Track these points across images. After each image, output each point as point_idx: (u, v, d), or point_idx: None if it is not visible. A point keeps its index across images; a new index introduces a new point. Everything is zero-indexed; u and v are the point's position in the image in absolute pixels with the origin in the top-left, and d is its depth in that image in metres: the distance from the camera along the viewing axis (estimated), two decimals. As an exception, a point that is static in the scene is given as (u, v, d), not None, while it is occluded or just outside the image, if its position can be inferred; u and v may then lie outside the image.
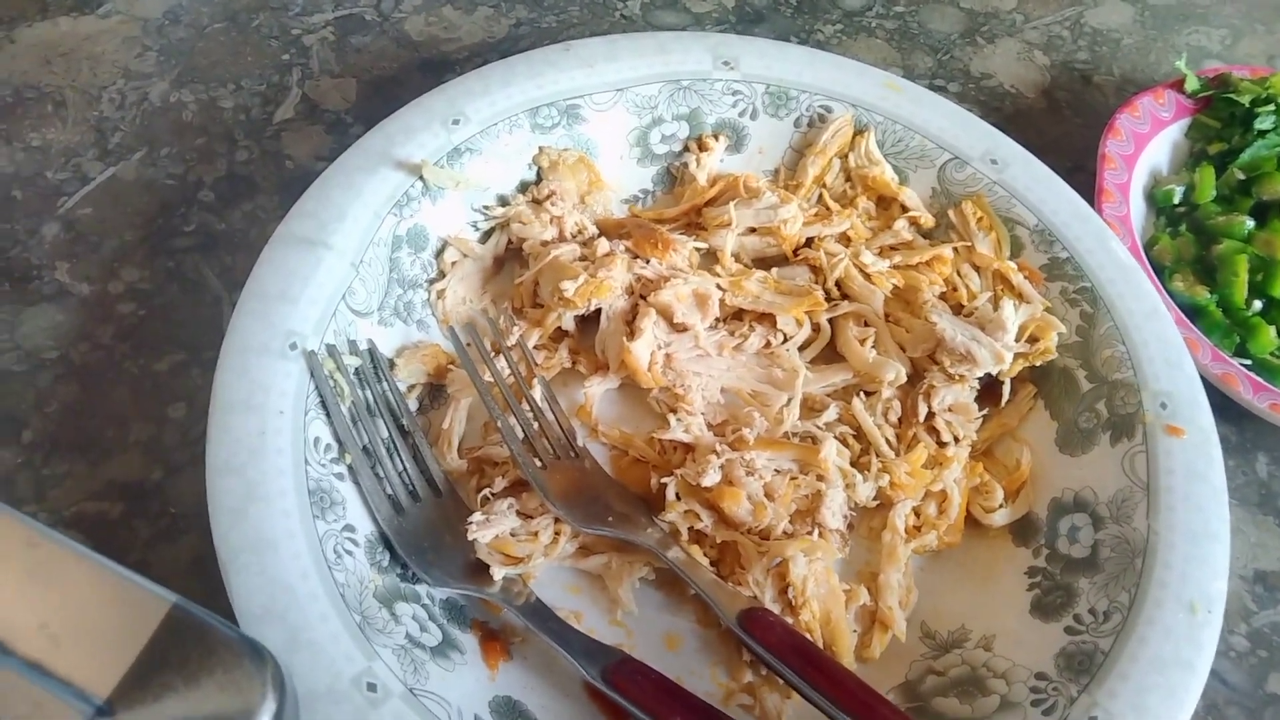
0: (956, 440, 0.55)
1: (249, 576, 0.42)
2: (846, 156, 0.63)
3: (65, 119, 0.67)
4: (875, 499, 0.53)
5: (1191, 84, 0.71)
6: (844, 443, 0.54)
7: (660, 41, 0.63)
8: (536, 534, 0.49)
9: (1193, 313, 0.62)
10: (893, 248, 0.60)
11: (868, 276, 0.58)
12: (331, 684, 0.41)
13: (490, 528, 0.48)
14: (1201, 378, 0.56)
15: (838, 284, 0.59)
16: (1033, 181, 0.60)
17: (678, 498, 0.51)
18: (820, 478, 0.52)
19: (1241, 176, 0.68)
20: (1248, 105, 0.69)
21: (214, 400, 0.47)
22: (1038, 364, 0.55)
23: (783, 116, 0.63)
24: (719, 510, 0.51)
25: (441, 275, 0.57)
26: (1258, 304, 0.62)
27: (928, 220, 0.61)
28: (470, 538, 0.48)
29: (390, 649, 0.43)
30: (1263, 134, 0.68)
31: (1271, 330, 0.60)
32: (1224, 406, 0.57)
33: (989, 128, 0.62)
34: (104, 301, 0.59)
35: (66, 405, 0.55)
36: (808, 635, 0.48)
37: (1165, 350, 0.54)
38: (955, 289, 0.58)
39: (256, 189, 0.65)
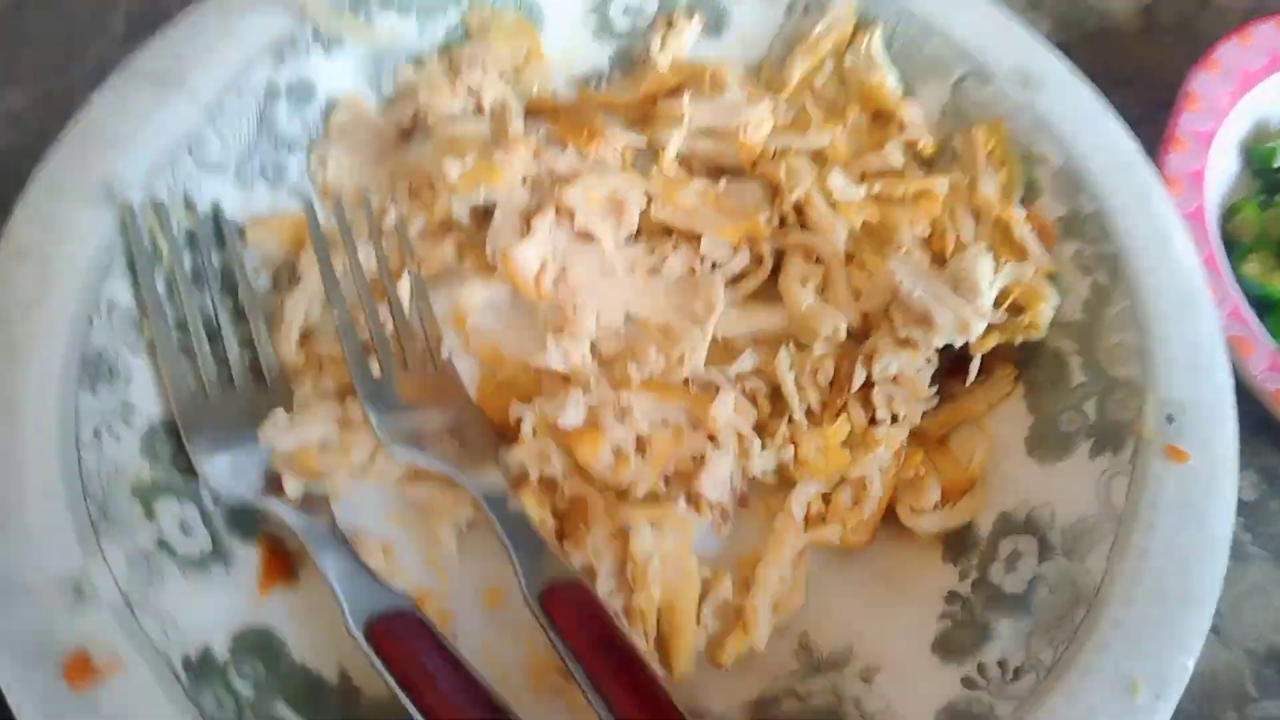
0: (894, 419, 0.43)
1: (-23, 442, 0.37)
2: (843, 56, 0.51)
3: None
4: (774, 474, 0.43)
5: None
6: (753, 400, 0.44)
7: (639, -112, 0.52)
8: (350, 450, 0.42)
9: (1264, 307, 0.48)
10: (878, 174, 0.48)
11: (833, 205, 0.47)
12: (34, 580, 0.35)
13: (292, 432, 0.41)
14: (1247, 391, 0.43)
15: (796, 209, 0.48)
16: (1070, 111, 0.47)
17: (534, 434, 0.43)
18: (711, 438, 0.42)
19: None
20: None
21: (2, 241, 0.41)
22: (1017, 341, 0.43)
23: (773, -2, 0.52)
24: (574, 457, 0.42)
25: (328, 139, 0.49)
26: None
27: (928, 145, 0.49)
28: (261, 441, 0.41)
29: (124, 551, 0.37)
30: None
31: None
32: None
33: (1031, 39, 0.49)
34: (-12, 126, 0.54)
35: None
36: (634, 624, 0.39)
37: (1193, 350, 0.41)
38: (943, 234, 0.46)
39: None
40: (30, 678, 0.33)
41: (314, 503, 0.41)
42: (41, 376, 0.38)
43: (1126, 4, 0.62)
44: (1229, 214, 0.51)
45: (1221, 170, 0.53)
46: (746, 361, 0.45)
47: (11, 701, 0.33)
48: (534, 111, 0.52)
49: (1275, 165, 0.53)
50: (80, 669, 0.34)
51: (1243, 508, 0.47)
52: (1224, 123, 0.52)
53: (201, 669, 0.36)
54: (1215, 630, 0.43)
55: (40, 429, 0.37)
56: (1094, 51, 0.60)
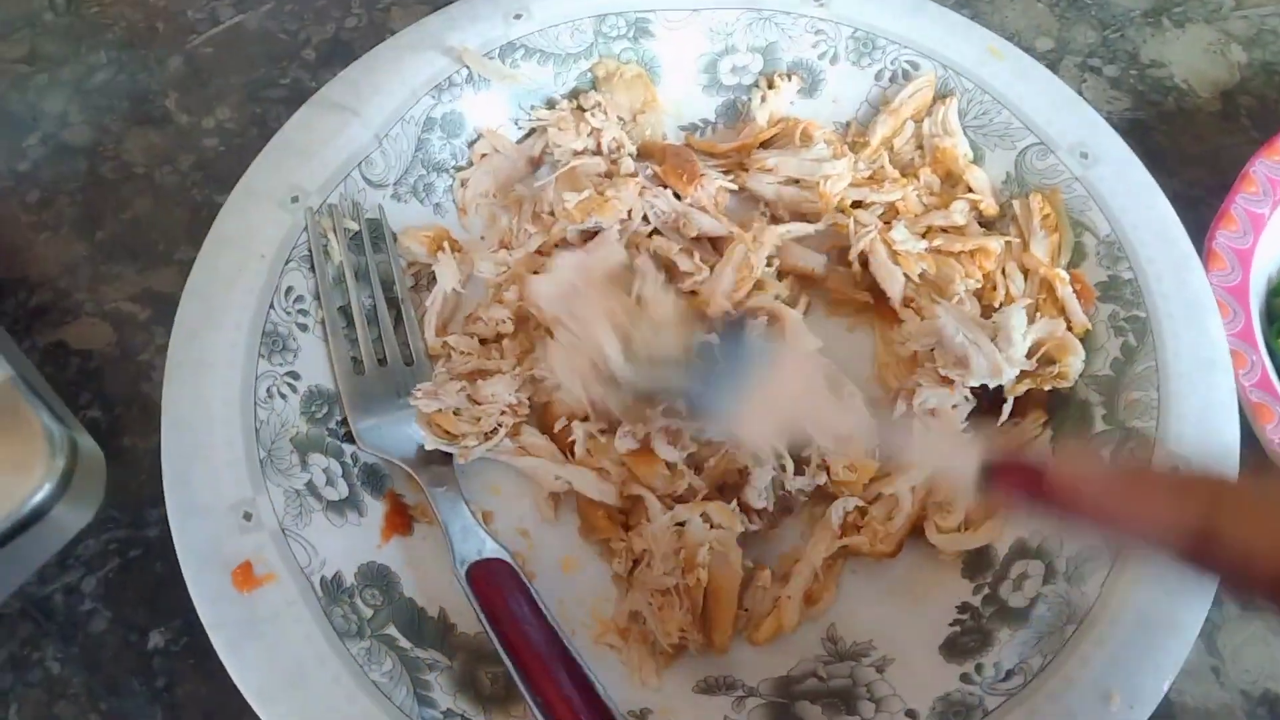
0: (931, 448, 0.49)
1: (179, 388, 0.46)
2: (922, 121, 0.57)
3: (219, -34, 0.73)
4: (811, 491, 0.49)
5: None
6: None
7: (754, -35, 0.59)
8: (479, 419, 0.50)
9: (1296, 380, 0.52)
10: (942, 229, 0.54)
11: (894, 255, 0.53)
12: (212, 502, 0.44)
13: (435, 400, 0.50)
14: (1260, 453, 0.48)
15: (861, 258, 0.54)
16: (1122, 186, 0.52)
17: (589, 453, 0.50)
18: (755, 455, 0.49)
19: None
20: None
21: (211, 232, 0.51)
22: (1046, 388, 0.49)
23: (864, 66, 0.58)
24: (630, 469, 0.49)
25: (470, 164, 0.58)
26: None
27: (990, 207, 0.54)
28: (412, 403, 0.50)
29: (283, 490, 0.46)
30: None
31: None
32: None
33: (1095, 117, 0.54)
34: (194, 133, 0.65)
35: (137, 217, 0.62)
36: (683, 601, 0.46)
37: (1206, 410, 0.46)
38: (994, 288, 0.52)
39: (353, 56, 0.67)
40: (206, 578, 0.43)
41: (441, 462, 0.50)
42: (232, 344, 0.48)
43: (1207, 86, 0.66)
44: (1277, 290, 0.55)
45: (1274, 250, 0.56)
46: None
47: (193, 595, 0.43)
48: (644, 154, 0.60)
49: (1326, 249, 0.56)
50: (245, 576, 0.43)
51: (1257, 563, 0.51)
52: (1278, 207, 0.56)
53: (334, 590, 0.45)
54: (1215, 671, 0.48)
55: (228, 384, 0.47)
56: (1169, 130, 0.64)
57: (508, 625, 0.44)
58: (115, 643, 0.49)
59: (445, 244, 0.55)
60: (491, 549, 0.46)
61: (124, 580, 0.50)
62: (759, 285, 0.54)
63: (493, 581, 0.45)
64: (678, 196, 0.56)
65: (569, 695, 0.42)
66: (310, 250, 0.51)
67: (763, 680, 0.46)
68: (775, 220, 0.56)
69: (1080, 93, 0.66)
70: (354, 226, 0.53)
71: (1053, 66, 0.67)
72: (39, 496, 0.35)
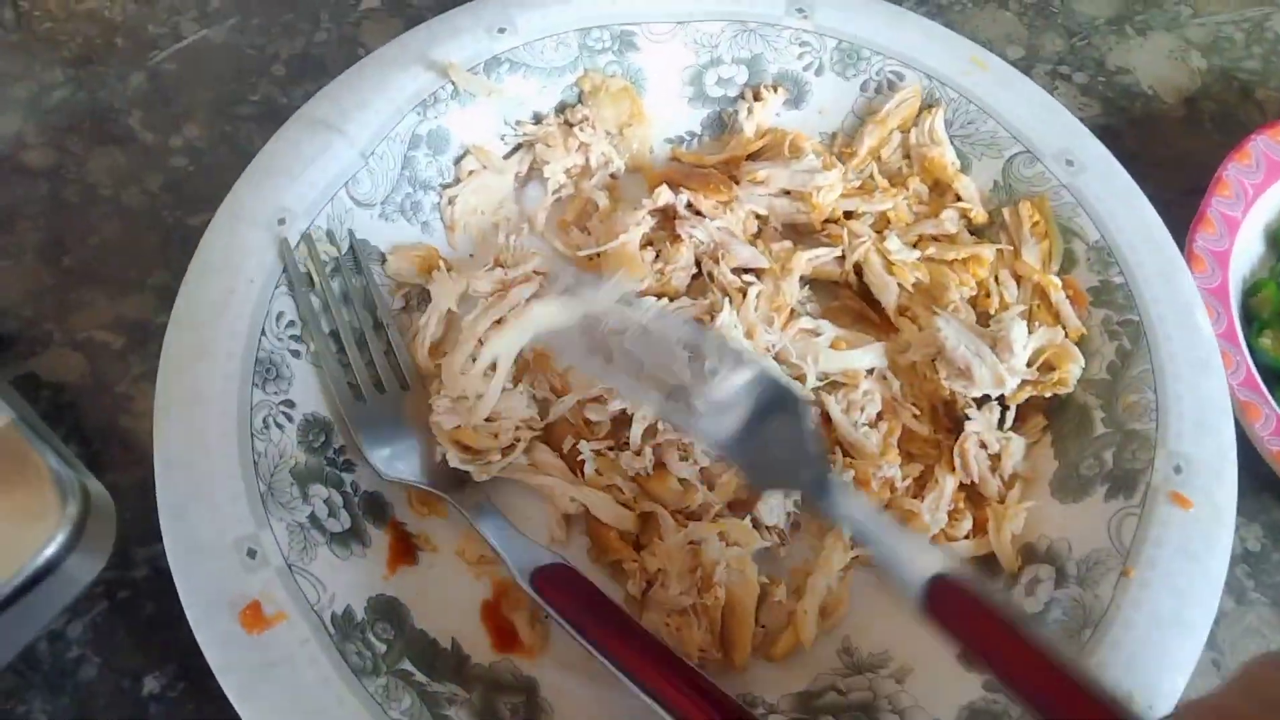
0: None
1: (173, 424, 0.44)
2: (909, 131, 0.57)
3: (180, -23, 0.71)
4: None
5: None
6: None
7: (738, -22, 0.59)
8: (496, 434, 0.49)
9: (1275, 377, 0.54)
10: (934, 238, 0.55)
11: (889, 265, 0.53)
12: (215, 540, 0.42)
13: (454, 415, 0.49)
14: (1252, 452, 0.49)
15: (856, 268, 0.54)
16: (1107, 192, 0.53)
17: (598, 472, 0.50)
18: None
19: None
20: None
21: (195, 258, 0.49)
22: (1048, 395, 0.49)
23: (850, 77, 0.58)
24: (644, 486, 0.49)
25: (457, 181, 0.57)
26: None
27: (979, 215, 0.55)
28: (432, 419, 0.48)
29: (285, 523, 0.44)
30: None
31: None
32: None
33: (1077, 125, 0.55)
34: (161, 152, 0.62)
35: (105, 241, 0.59)
36: (701, 620, 0.45)
37: (1202, 409, 0.47)
38: (988, 295, 0.53)
39: (324, 71, 0.66)
40: (213, 620, 0.41)
41: (469, 482, 0.49)
42: (225, 374, 0.46)
43: (1171, 92, 0.68)
44: (1251, 291, 0.57)
45: (1247, 251, 0.58)
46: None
47: (199, 639, 0.41)
48: (634, 170, 0.59)
49: (1297, 248, 0.58)
50: (254, 616, 0.41)
51: (1248, 557, 0.52)
52: (1251, 208, 0.58)
53: (346, 626, 0.43)
54: (1215, 665, 0.49)
55: (224, 416, 0.45)
56: (1139, 135, 0.66)
57: (590, 623, 0.43)
58: (108, 690, 0.47)
59: (440, 264, 0.53)
60: (548, 555, 0.45)
61: (113, 624, 0.48)
62: (793, 313, 0.54)
63: (562, 586, 0.44)
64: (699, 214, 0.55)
65: (674, 680, 0.41)
66: (291, 280, 0.50)
67: (783, 696, 0.46)
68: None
69: (1052, 100, 0.68)
70: (334, 251, 0.52)
71: (1024, 74, 0.68)
72: (52, 549, 0.33)
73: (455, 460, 0.47)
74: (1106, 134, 0.66)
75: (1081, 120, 0.66)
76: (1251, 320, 0.56)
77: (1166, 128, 0.67)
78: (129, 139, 0.63)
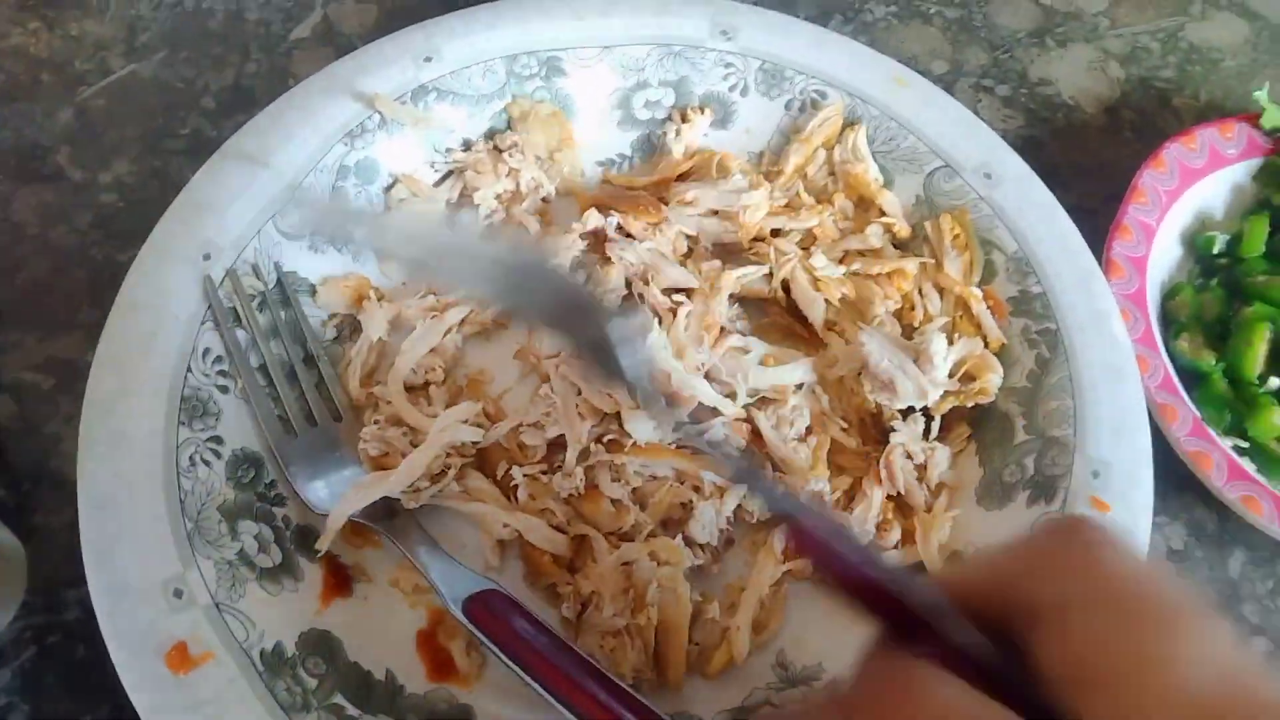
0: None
1: (99, 465, 0.44)
2: (833, 149, 0.58)
3: (105, 13, 0.70)
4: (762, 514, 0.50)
5: (1272, 119, 0.62)
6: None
7: (662, 2, 0.60)
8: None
9: (1192, 378, 0.55)
10: (859, 253, 0.56)
11: (815, 281, 0.54)
12: (141, 581, 0.42)
13: (383, 444, 0.49)
14: (1174, 453, 0.50)
15: (784, 285, 0.55)
16: (1025, 204, 0.54)
17: (531, 497, 0.50)
18: (695, 488, 0.50)
19: (1305, 235, 0.59)
20: (1331, 154, 0.60)
21: (119, 296, 0.49)
22: (970, 405, 0.50)
23: (774, 97, 0.59)
24: (577, 508, 0.49)
25: (387, 210, 0.57)
26: (1275, 381, 0.54)
27: (903, 229, 0.56)
28: (361, 448, 0.48)
29: (213, 561, 0.44)
30: (1341, 189, 0.59)
31: (1276, 414, 0.53)
32: (1207, 490, 0.51)
33: (995, 140, 0.56)
34: (90, 189, 0.62)
35: (33, 280, 0.59)
36: (634, 641, 0.46)
37: (1119, 414, 0.48)
38: (912, 308, 0.54)
39: (254, 103, 0.66)
40: (138, 663, 0.41)
41: (399, 511, 0.49)
42: (150, 412, 0.46)
43: (1092, 102, 0.70)
44: (1169, 295, 0.58)
45: (1165, 256, 0.59)
46: (719, 430, 0.51)
47: (125, 682, 0.41)
48: (566, 193, 0.60)
49: (1212, 252, 0.60)
50: (180, 657, 0.41)
51: (1172, 555, 0.54)
52: (1167, 215, 0.59)
53: (276, 662, 0.43)
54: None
55: (149, 456, 0.45)
56: (1061, 145, 0.68)
57: (523, 650, 0.43)
58: (38, 738, 0.46)
59: (370, 293, 0.54)
60: (480, 581, 0.45)
61: (42, 668, 0.48)
62: (723, 332, 0.54)
63: (494, 612, 0.44)
64: (629, 236, 0.56)
65: (607, 703, 0.42)
66: (215, 317, 0.50)
67: (718, 712, 0.46)
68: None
69: (976, 112, 0.69)
70: (260, 285, 0.52)
71: (949, 88, 0.70)
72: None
73: (382, 489, 0.47)
74: (1030, 144, 0.68)
75: (1005, 132, 0.68)
76: (1170, 323, 0.57)
77: (1088, 137, 0.68)
78: (57, 176, 0.63)
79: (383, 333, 0.53)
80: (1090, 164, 0.67)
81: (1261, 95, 0.62)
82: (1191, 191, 0.61)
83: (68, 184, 0.62)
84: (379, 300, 0.54)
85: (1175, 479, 0.52)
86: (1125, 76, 0.71)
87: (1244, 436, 0.54)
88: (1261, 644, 0.51)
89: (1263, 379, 0.54)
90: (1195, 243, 0.61)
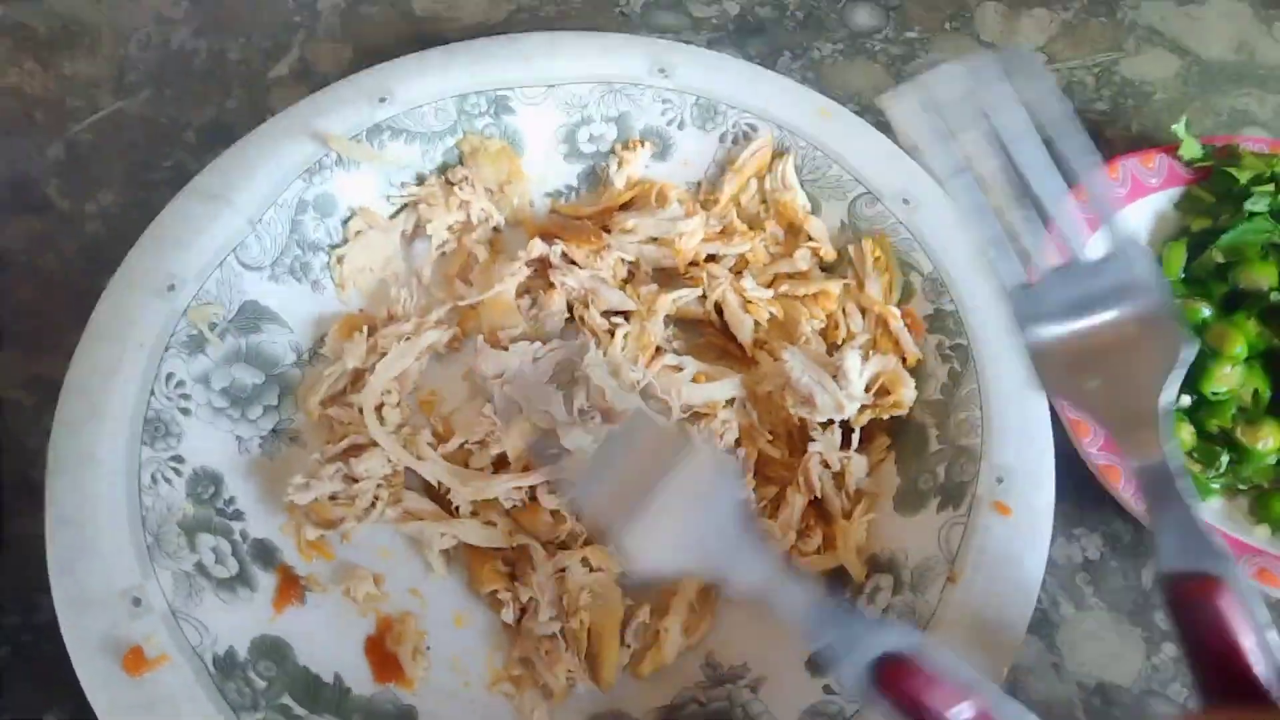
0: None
1: (66, 482, 0.47)
2: (764, 178, 0.62)
3: (96, 54, 0.75)
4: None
5: (1190, 150, 0.65)
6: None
7: (604, 43, 0.64)
8: (354, 499, 0.52)
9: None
10: (788, 276, 0.59)
11: (745, 303, 0.57)
12: (102, 591, 0.45)
13: (309, 491, 0.52)
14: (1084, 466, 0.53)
15: (717, 307, 0.59)
16: (941, 227, 0.57)
17: (474, 513, 0.53)
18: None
19: (1220, 260, 0.62)
20: (1243, 183, 0.63)
21: (88, 325, 0.52)
22: (885, 417, 0.53)
23: (709, 130, 0.63)
24: (517, 519, 0.52)
25: (345, 241, 0.61)
26: (1187, 399, 0.57)
27: (828, 253, 0.59)
28: (287, 499, 0.51)
29: (171, 572, 0.47)
30: (1253, 216, 0.62)
31: (1185, 430, 0.55)
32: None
33: (914, 167, 0.60)
34: (77, 219, 0.66)
35: (21, 304, 0.62)
36: (569, 645, 0.49)
37: (1024, 425, 0.51)
38: (836, 326, 0.57)
39: (234, 137, 0.68)
40: (96, 666, 0.44)
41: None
42: (114, 434, 0.49)
43: (1022, 128, 0.73)
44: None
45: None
46: None
47: (84, 684, 0.44)
48: (515, 223, 0.63)
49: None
50: (136, 661, 0.44)
51: (1088, 565, 0.56)
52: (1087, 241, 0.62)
53: (228, 666, 0.46)
54: (1054, 666, 0.53)
55: (113, 474, 0.48)
56: (991, 170, 0.71)
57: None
58: (8, 733, 0.49)
59: (364, 327, 0.57)
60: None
61: (15, 666, 0.51)
62: (659, 351, 0.58)
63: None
64: (573, 263, 0.59)
65: None
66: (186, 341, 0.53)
67: (649, 711, 0.49)
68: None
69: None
70: (222, 313, 0.55)
71: (888, 122, 0.73)
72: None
73: (312, 533, 0.51)
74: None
75: (940, 160, 0.71)
76: (1088, 339, 0.60)
77: (1021, 163, 0.71)
78: (46, 207, 0.67)
79: (361, 360, 0.56)
80: (1020, 190, 0.70)
81: (1179, 128, 0.65)
82: (1128, 210, 0.64)
83: (56, 214, 0.66)
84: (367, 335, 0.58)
85: (1094, 492, 0.55)
86: (1058, 106, 0.74)
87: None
88: (1170, 649, 0.53)
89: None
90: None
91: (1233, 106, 0.75)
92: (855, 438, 0.54)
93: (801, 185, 0.61)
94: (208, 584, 0.48)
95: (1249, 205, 0.62)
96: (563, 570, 0.50)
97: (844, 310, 0.57)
